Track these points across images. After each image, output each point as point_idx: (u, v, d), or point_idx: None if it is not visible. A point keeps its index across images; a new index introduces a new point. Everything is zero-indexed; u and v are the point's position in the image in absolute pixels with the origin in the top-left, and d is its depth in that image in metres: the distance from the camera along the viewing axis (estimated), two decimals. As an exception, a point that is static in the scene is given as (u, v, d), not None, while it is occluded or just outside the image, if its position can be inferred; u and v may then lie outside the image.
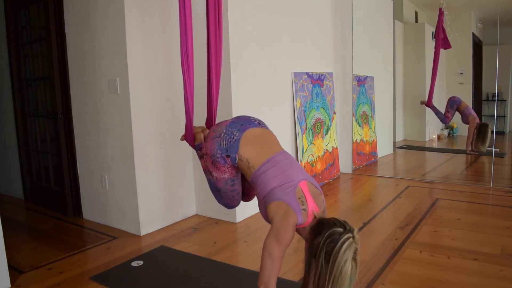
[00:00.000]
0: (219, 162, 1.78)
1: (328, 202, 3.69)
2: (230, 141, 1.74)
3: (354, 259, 1.49)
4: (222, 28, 2.17)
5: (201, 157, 2.01)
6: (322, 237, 1.50)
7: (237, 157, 1.73)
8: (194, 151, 3.36)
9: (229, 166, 1.80)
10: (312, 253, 1.52)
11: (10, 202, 4.02)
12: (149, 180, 3.03)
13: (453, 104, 5.25)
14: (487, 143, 4.80)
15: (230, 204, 2.00)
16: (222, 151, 1.75)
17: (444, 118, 5.28)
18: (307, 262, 1.56)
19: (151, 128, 3.05)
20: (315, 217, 1.66)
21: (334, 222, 1.54)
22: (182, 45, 2.04)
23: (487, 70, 5.10)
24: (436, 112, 5.35)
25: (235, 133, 1.76)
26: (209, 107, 2.24)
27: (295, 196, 1.63)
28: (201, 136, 2.04)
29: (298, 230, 1.73)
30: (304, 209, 1.63)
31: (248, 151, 1.73)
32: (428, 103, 5.30)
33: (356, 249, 1.50)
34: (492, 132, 4.38)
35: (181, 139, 2.18)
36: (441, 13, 4.96)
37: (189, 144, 2.14)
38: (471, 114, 5.17)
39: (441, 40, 4.99)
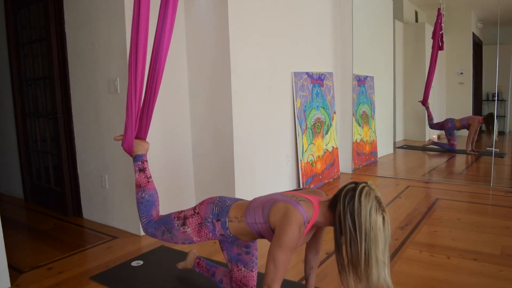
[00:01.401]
0: (207, 227, 1.76)
1: (328, 202, 3.69)
2: (222, 207, 1.77)
3: (381, 208, 1.43)
4: (170, 26, 2.03)
5: (140, 170, 2.00)
6: (340, 203, 1.46)
7: (227, 220, 1.73)
8: (194, 151, 3.38)
9: (216, 235, 1.77)
10: (338, 228, 1.48)
11: (10, 202, 4.02)
12: (149, 180, 3.03)
13: (451, 130, 5.29)
14: (496, 132, 4.84)
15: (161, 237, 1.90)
16: (213, 216, 1.76)
17: (453, 144, 5.33)
18: (336, 243, 1.51)
19: (151, 128, 3.03)
20: (321, 202, 1.62)
21: (344, 187, 1.51)
22: (132, 41, 1.93)
23: (487, 70, 5.11)
24: (429, 116, 5.37)
25: (227, 202, 1.81)
26: (144, 114, 2.08)
27: (287, 198, 1.63)
28: (147, 146, 2.04)
29: (318, 225, 1.67)
30: (302, 200, 1.60)
31: (235, 211, 1.74)
32: (424, 102, 5.30)
33: (377, 197, 1.45)
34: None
35: (116, 139, 2.05)
36: (439, 14, 4.97)
37: (127, 151, 2.02)
38: (469, 117, 5.18)
39: (438, 41, 5.00)
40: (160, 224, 1.88)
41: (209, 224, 1.76)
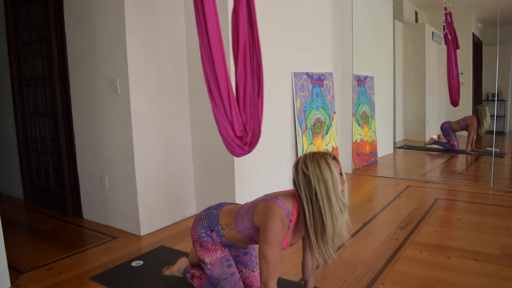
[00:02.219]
0: (206, 241, 1.79)
1: (328, 202, 3.69)
2: (210, 218, 1.80)
3: (323, 156, 1.57)
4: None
5: (192, 278, 2.04)
6: (295, 177, 1.58)
7: (220, 228, 1.76)
8: (194, 151, 3.38)
9: (217, 243, 1.80)
10: (299, 198, 1.59)
11: (10, 202, 4.01)
12: (149, 180, 3.03)
13: (448, 131, 5.30)
14: (488, 123, 4.87)
15: None
16: (206, 229, 1.79)
17: (453, 144, 5.33)
18: (304, 217, 1.59)
19: (151, 128, 3.05)
20: None
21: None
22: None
23: (487, 70, 5.11)
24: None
25: (213, 212, 1.84)
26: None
27: (267, 197, 1.68)
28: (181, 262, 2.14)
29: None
30: (280, 195, 1.65)
31: (225, 218, 1.78)
32: (455, 103, 5.17)
33: (320, 152, 1.59)
34: (492, 131, 4.38)
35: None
36: (447, 13, 4.95)
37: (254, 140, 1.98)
38: (467, 118, 5.18)
39: (453, 39, 4.96)
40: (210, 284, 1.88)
41: (206, 237, 1.79)
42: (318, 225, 1.55)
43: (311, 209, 1.55)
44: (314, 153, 1.61)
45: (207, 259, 1.79)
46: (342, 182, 1.60)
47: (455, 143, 5.32)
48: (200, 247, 1.80)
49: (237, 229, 1.72)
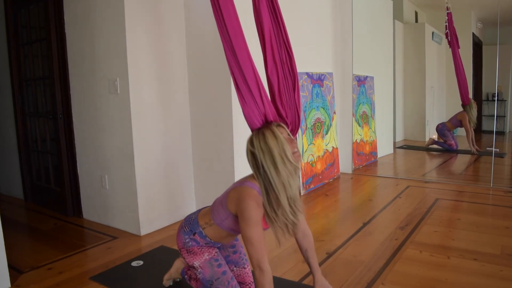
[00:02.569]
0: (192, 246, 1.79)
1: (328, 202, 3.69)
2: (190, 223, 1.82)
3: (269, 129, 1.62)
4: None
5: (190, 279, 2.04)
6: (247, 156, 1.65)
7: (200, 229, 1.77)
8: (194, 151, 3.38)
9: (202, 245, 1.79)
10: (254, 172, 1.64)
11: (10, 202, 4.02)
12: (149, 180, 3.03)
13: (443, 131, 5.30)
14: (475, 115, 4.97)
15: None
16: (189, 234, 1.80)
17: (451, 144, 5.32)
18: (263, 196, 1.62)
19: (151, 128, 3.05)
20: None
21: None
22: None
23: (487, 70, 5.11)
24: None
25: (192, 216, 1.86)
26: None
27: (235, 184, 1.74)
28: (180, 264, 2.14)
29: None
30: (247, 177, 1.69)
31: (203, 218, 1.80)
32: (466, 101, 5.16)
33: (263, 125, 1.67)
34: (492, 131, 4.38)
35: None
36: (449, 12, 4.95)
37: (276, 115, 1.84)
38: (457, 114, 5.18)
39: (455, 38, 4.96)
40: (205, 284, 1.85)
41: (191, 242, 1.79)
42: (272, 197, 1.58)
43: (262, 183, 1.60)
44: (259, 129, 1.67)
45: (196, 263, 1.79)
46: (290, 141, 1.64)
47: (453, 142, 5.31)
48: (187, 253, 1.80)
49: (216, 222, 1.73)
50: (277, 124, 1.68)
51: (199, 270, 1.79)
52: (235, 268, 1.94)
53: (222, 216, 1.72)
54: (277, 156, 1.57)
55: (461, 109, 5.14)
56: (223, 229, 1.74)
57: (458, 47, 5.00)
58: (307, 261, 1.93)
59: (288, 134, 1.68)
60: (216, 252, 1.82)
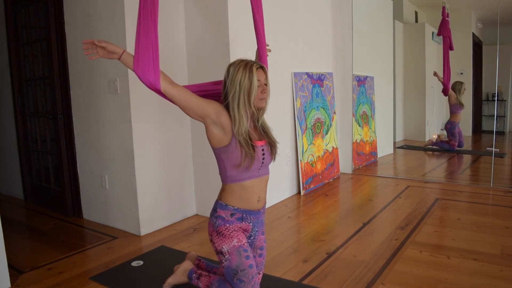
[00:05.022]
0: (219, 225, 1.78)
1: (328, 202, 3.70)
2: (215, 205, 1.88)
3: (250, 66, 1.71)
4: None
5: (198, 278, 2.00)
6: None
7: (220, 201, 1.83)
8: (194, 151, 3.37)
9: (230, 224, 1.77)
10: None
11: (10, 202, 4.02)
12: (149, 180, 3.03)
13: (453, 130, 5.29)
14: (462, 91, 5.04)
15: None
16: (213, 213, 1.83)
17: (453, 145, 5.32)
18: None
19: (151, 128, 3.05)
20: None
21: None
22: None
23: (487, 70, 5.11)
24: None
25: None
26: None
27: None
28: (191, 255, 2.21)
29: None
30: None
31: (220, 193, 1.90)
32: (444, 92, 5.18)
33: (248, 60, 1.74)
34: (492, 131, 4.38)
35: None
36: (444, 13, 4.95)
37: (150, 83, 1.87)
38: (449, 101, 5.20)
39: (448, 39, 4.96)
40: (232, 282, 1.78)
41: (217, 221, 1.79)
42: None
43: (228, 102, 1.72)
44: (242, 60, 1.73)
45: (225, 247, 1.75)
46: (263, 90, 1.74)
47: (456, 144, 5.30)
48: (217, 235, 1.77)
49: (225, 178, 1.83)
50: (259, 65, 1.75)
51: (226, 256, 1.75)
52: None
53: (220, 164, 1.79)
54: (241, 94, 1.69)
55: (465, 108, 5.15)
56: (231, 182, 1.79)
57: (451, 49, 5.01)
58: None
59: (265, 82, 1.77)
60: (246, 243, 1.79)
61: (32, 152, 3.85)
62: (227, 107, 1.72)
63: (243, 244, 1.77)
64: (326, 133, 4.40)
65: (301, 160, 3.98)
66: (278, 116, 3.73)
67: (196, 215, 3.43)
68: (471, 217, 3.17)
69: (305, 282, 2.19)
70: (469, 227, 2.95)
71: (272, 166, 3.66)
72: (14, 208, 3.82)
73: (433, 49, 5.44)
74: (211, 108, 1.71)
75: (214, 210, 1.83)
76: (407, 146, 5.83)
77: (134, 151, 2.91)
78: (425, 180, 4.43)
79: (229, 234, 1.77)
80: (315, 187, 4.16)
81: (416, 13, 5.78)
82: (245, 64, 1.71)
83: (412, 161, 5.57)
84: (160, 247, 2.75)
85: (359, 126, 4.95)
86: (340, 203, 3.72)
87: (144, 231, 3.00)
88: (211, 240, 1.83)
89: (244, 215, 1.81)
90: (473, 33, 5.15)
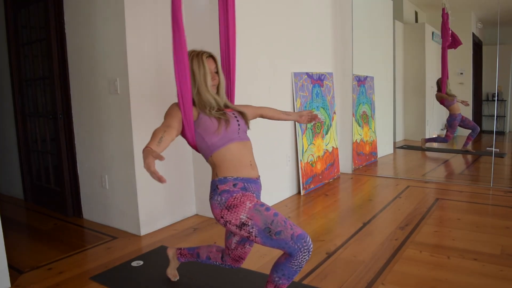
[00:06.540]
0: (226, 199, 1.69)
1: (328, 202, 3.70)
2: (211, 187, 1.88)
3: (200, 57, 1.83)
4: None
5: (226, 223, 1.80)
6: None
7: (215, 178, 1.80)
8: (193, 151, 3.37)
9: (234, 192, 1.70)
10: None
11: (10, 202, 4.02)
12: (149, 180, 3.01)
13: (452, 122, 5.25)
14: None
15: (297, 233, 1.58)
16: (214, 193, 1.76)
17: (447, 135, 5.32)
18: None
19: (151, 128, 3.03)
20: None
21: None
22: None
23: (487, 70, 5.11)
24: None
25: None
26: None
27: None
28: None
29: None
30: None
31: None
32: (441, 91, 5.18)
33: (198, 51, 1.86)
34: (492, 131, 4.38)
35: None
36: (444, 13, 4.95)
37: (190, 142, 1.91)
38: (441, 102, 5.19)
39: (449, 41, 4.96)
40: (269, 242, 1.64)
41: (222, 197, 1.71)
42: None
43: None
44: (193, 51, 1.85)
45: (243, 216, 1.64)
46: (214, 78, 1.83)
47: (451, 135, 5.25)
48: (228, 211, 1.67)
49: (212, 156, 1.79)
50: (208, 54, 1.85)
51: (250, 223, 1.62)
52: (248, 246, 1.93)
53: (201, 142, 1.81)
54: (200, 81, 1.81)
55: (463, 109, 5.15)
56: (216, 149, 1.77)
57: (454, 47, 5.00)
58: (283, 118, 2.19)
59: (216, 69, 1.86)
60: (258, 200, 1.74)
61: (32, 152, 3.85)
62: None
63: (257, 202, 1.69)
64: (326, 133, 4.40)
65: (301, 160, 3.98)
66: (278, 116, 3.73)
67: (196, 215, 3.43)
68: (471, 217, 3.17)
69: (305, 282, 2.19)
70: (469, 227, 2.95)
71: (272, 166, 3.68)
72: (14, 208, 3.82)
73: (433, 49, 5.45)
74: (176, 121, 1.86)
75: (214, 189, 1.74)
76: (407, 146, 5.84)
77: (134, 151, 2.91)
78: (425, 180, 4.43)
79: (240, 201, 1.67)
80: (315, 187, 4.16)
81: (416, 13, 5.78)
82: (196, 54, 1.83)
83: (412, 161, 5.57)
84: (160, 247, 2.75)
85: (359, 126, 4.95)
86: (340, 203, 3.72)
87: (144, 231, 3.00)
88: (225, 222, 1.69)
89: (245, 184, 1.74)
90: (473, 33, 5.15)
